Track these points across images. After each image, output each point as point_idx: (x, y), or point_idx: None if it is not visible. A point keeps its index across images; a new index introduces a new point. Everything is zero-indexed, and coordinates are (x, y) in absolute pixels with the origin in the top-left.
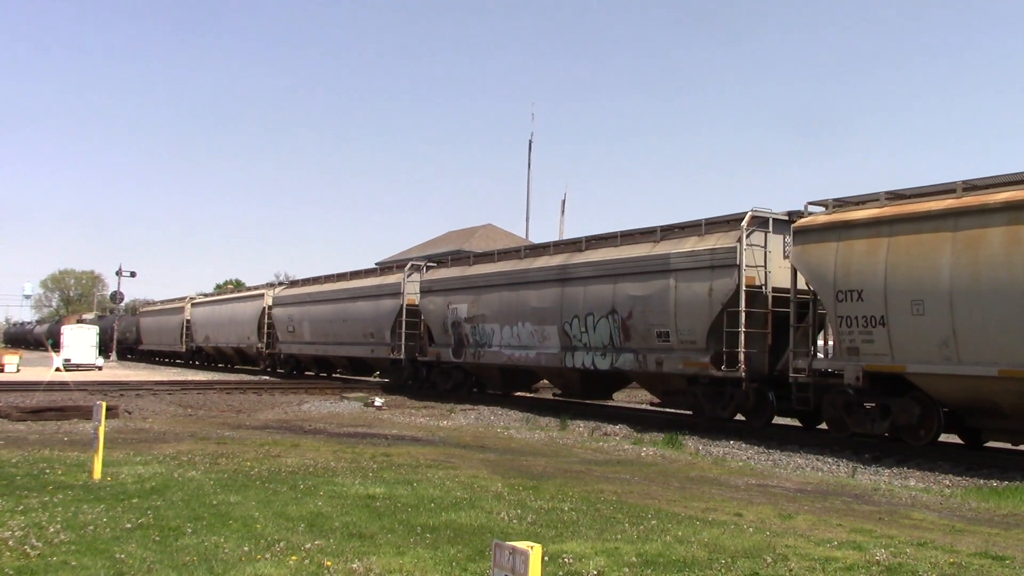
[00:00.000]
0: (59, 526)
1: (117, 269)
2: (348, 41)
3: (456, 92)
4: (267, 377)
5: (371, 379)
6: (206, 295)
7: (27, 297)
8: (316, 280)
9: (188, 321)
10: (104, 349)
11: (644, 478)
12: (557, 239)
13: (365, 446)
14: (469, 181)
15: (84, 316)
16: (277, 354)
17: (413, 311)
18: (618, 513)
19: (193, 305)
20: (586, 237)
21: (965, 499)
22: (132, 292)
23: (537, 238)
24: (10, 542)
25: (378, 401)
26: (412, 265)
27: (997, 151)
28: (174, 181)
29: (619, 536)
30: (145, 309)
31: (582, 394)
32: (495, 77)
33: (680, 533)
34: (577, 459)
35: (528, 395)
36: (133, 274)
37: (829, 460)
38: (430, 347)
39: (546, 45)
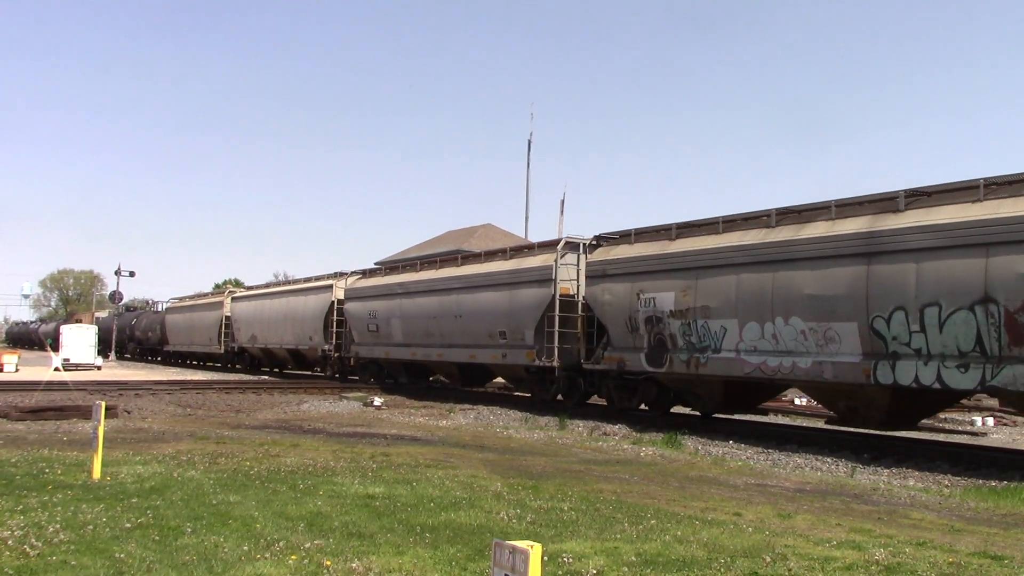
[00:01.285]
0: (58, 526)
1: (116, 269)
2: (347, 40)
3: (455, 91)
4: (265, 377)
5: (499, 392)
6: (251, 288)
7: (26, 297)
8: (408, 266)
9: (227, 318)
10: (120, 348)
11: (643, 478)
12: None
13: (364, 446)
14: (468, 181)
15: (98, 314)
16: (352, 358)
17: (570, 303)
18: (617, 512)
19: (234, 299)
20: (905, 191)
21: (964, 499)
22: (131, 292)
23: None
24: (9, 542)
25: (377, 401)
26: (567, 243)
27: (997, 151)
28: (173, 180)
29: (618, 535)
30: (173, 305)
31: (886, 422)
32: (494, 77)
33: (679, 533)
34: (576, 459)
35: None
36: (132, 274)
37: (828, 460)
38: (606, 352)
39: (545, 45)
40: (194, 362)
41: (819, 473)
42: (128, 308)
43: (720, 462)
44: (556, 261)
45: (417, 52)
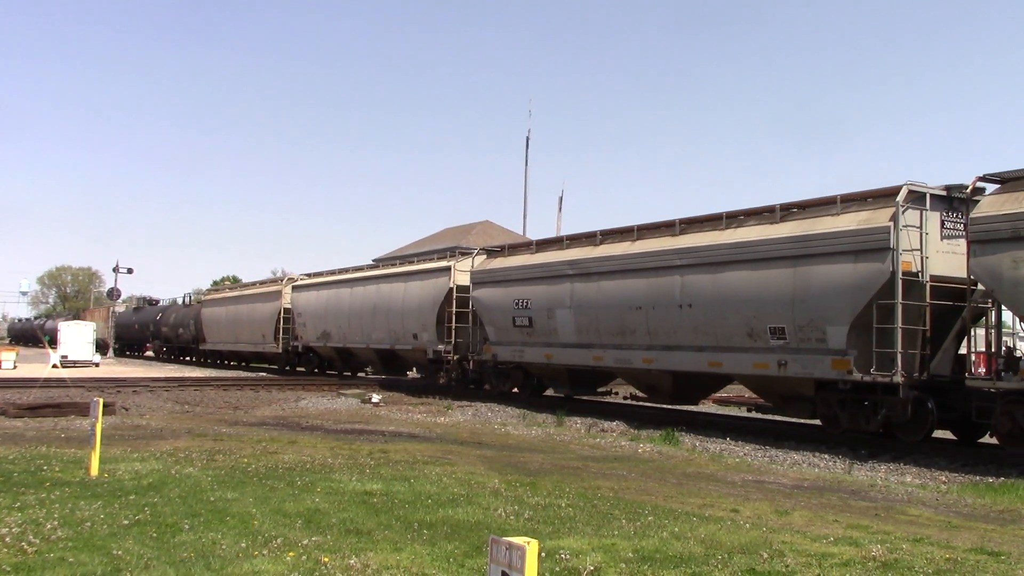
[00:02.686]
0: (56, 523)
1: (114, 266)
2: (346, 38)
3: (453, 89)
4: (263, 374)
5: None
6: (317, 274)
7: (24, 294)
8: (577, 240)
9: (287, 311)
10: (135, 345)
11: (641, 474)
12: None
13: (362, 442)
14: (466, 178)
15: (114, 308)
16: (482, 361)
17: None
18: (615, 509)
19: (296, 288)
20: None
21: (961, 495)
22: (129, 289)
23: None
24: (7, 539)
25: (375, 397)
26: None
27: (997, 150)
28: (171, 178)
29: (616, 532)
30: (211, 297)
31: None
32: (492, 74)
33: (677, 529)
34: (574, 455)
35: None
36: (130, 270)
37: (825, 456)
38: None
39: (544, 42)
40: (236, 362)
41: (816, 469)
42: (149, 302)
43: (717, 458)
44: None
45: (415, 50)
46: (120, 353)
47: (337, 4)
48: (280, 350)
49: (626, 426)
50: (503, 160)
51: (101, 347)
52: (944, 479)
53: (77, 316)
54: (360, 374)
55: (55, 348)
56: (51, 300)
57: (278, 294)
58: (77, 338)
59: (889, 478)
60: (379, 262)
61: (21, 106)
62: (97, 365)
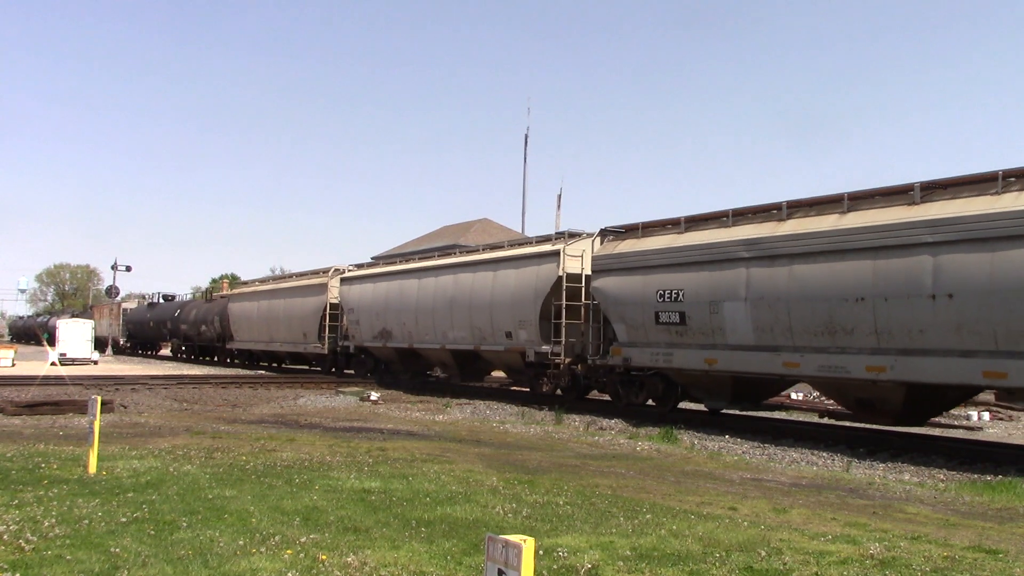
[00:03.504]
0: (54, 520)
1: (112, 263)
2: (344, 36)
3: (451, 86)
4: (262, 372)
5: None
6: (370, 264)
7: (22, 291)
8: (742, 216)
9: (334, 306)
10: (146, 343)
11: (639, 472)
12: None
13: (361, 440)
14: (465, 176)
15: (126, 305)
16: (616, 367)
17: None
18: (613, 507)
19: (345, 281)
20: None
21: (959, 493)
22: (127, 287)
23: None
24: (5, 536)
25: (374, 395)
26: None
27: (996, 150)
28: (169, 176)
29: (614, 530)
30: (239, 291)
31: None
32: (491, 71)
33: (675, 527)
34: (572, 453)
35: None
36: (128, 268)
37: (824, 454)
38: None
39: (542, 40)
40: (270, 364)
41: (815, 467)
42: (165, 297)
43: (716, 456)
44: None
45: (414, 48)
46: (132, 352)
47: (336, 3)
48: (326, 351)
49: (625, 424)
50: (502, 158)
51: (115, 344)
52: (942, 477)
53: (84, 313)
54: (429, 374)
55: (54, 346)
56: (49, 298)
57: (323, 288)
58: (76, 336)
59: (887, 476)
60: (378, 259)
61: (20, 104)
62: (95, 363)
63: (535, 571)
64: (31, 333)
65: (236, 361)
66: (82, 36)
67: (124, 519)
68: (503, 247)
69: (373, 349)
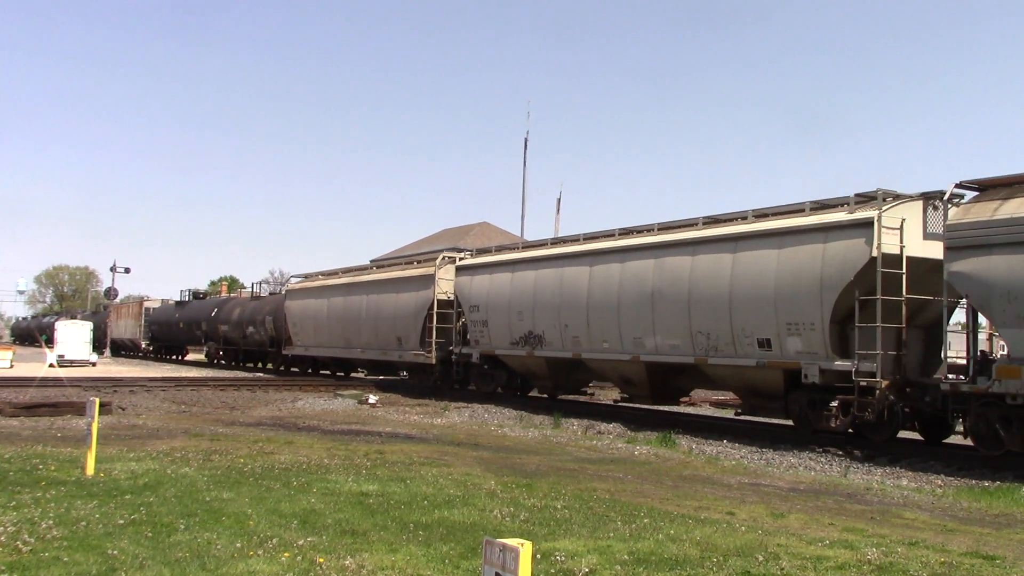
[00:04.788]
0: (51, 522)
1: (111, 265)
2: (344, 38)
3: (451, 90)
4: (261, 374)
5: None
6: (502, 249)
7: (21, 293)
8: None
9: (444, 303)
10: (172, 347)
11: (637, 476)
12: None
13: (359, 443)
14: (464, 179)
15: (148, 304)
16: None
17: None
18: (611, 511)
19: (463, 271)
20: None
21: (957, 499)
22: (126, 289)
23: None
24: (2, 537)
25: (372, 398)
26: None
27: (996, 150)
28: (169, 177)
29: (611, 534)
30: (300, 285)
31: None
32: (490, 75)
33: (672, 531)
34: (570, 457)
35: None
36: (127, 270)
37: (822, 459)
38: None
39: (542, 43)
40: (345, 373)
41: (813, 472)
42: (196, 295)
43: (714, 461)
44: None
45: (414, 50)
46: (157, 357)
47: (336, 4)
48: (433, 359)
49: (623, 428)
50: (501, 161)
51: (135, 347)
52: (940, 483)
53: (97, 314)
54: (621, 400)
55: (52, 347)
56: (48, 299)
57: (427, 280)
58: (74, 337)
59: (885, 482)
60: (375, 263)
61: (19, 104)
62: (94, 364)
63: (532, 575)
64: (31, 335)
65: (294, 369)
66: (82, 36)
67: (122, 521)
68: (744, 218)
69: (508, 358)
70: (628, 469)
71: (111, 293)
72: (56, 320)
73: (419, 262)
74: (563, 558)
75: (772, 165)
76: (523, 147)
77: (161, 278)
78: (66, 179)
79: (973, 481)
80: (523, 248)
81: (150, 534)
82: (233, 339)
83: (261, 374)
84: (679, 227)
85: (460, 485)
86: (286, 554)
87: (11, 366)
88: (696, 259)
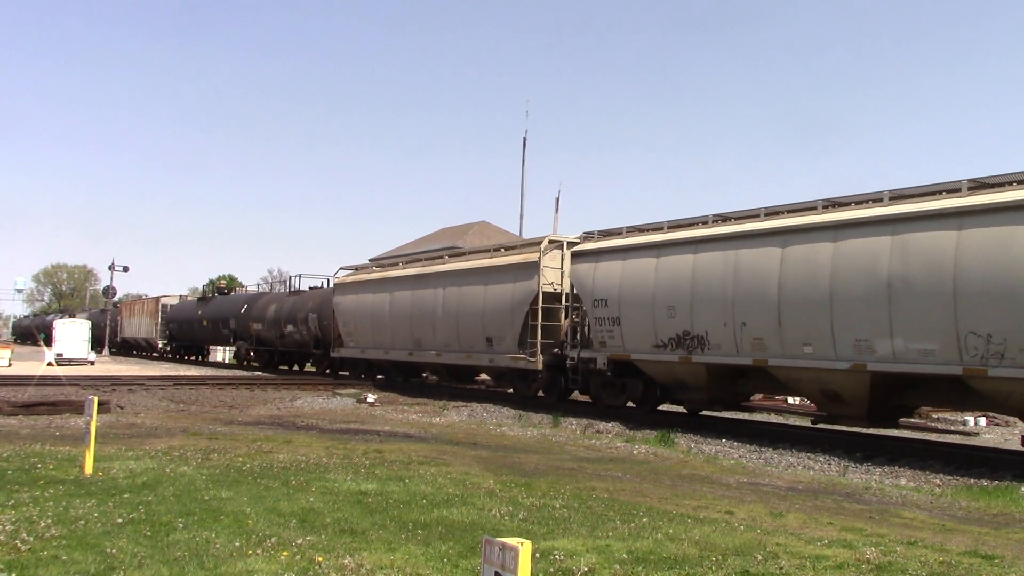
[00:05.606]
0: (50, 520)
1: (110, 264)
2: (342, 38)
3: (450, 89)
4: (258, 373)
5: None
6: (632, 230)
7: (19, 291)
8: None
9: (550, 296)
10: (192, 347)
11: (636, 476)
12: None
13: (357, 442)
14: (463, 178)
15: (166, 300)
16: None
17: None
18: (610, 510)
19: (582, 256)
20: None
21: (955, 498)
22: (124, 287)
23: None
24: (1, 536)
25: (371, 397)
26: None
27: (997, 150)
28: (167, 177)
29: (610, 533)
30: (353, 278)
31: None
32: (489, 74)
33: (671, 531)
34: (569, 456)
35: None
36: (126, 269)
37: (821, 459)
38: None
39: (541, 42)
40: (412, 377)
41: (811, 472)
42: (220, 291)
43: (713, 460)
44: None
45: (412, 49)
46: (175, 358)
47: (335, 4)
48: (539, 364)
49: (622, 427)
50: (500, 160)
51: (151, 347)
52: (939, 482)
53: (108, 311)
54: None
55: (50, 346)
56: (46, 298)
57: (530, 269)
58: (72, 336)
59: (884, 481)
60: (374, 261)
61: (18, 104)
62: (92, 363)
63: (532, 574)
64: (31, 334)
65: (343, 373)
66: (82, 36)
67: (120, 520)
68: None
69: (648, 364)
70: (627, 468)
71: (110, 292)
72: (61, 319)
73: (504, 248)
74: (562, 557)
75: (772, 165)
76: (522, 146)
77: (159, 277)
78: (65, 178)
79: (972, 480)
80: (673, 227)
81: (149, 533)
82: (268, 339)
83: (260, 373)
84: (924, 195)
85: (459, 484)
86: (285, 553)
87: (9, 364)
88: (964, 235)
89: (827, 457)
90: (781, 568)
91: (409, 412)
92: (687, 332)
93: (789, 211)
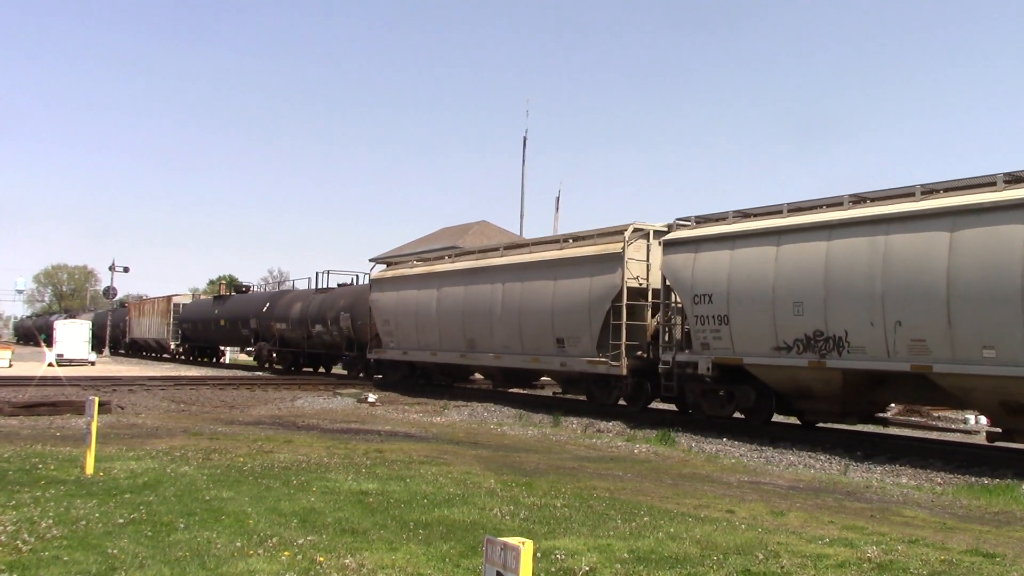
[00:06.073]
0: (51, 521)
1: (110, 264)
2: (342, 37)
3: (450, 88)
4: (259, 372)
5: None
6: (739, 215)
7: (20, 292)
8: None
9: (636, 291)
10: (207, 348)
11: (637, 475)
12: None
13: (358, 442)
14: (463, 178)
15: (178, 299)
16: None
17: None
18: (610, 510)
19: (676, 245)
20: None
21: (957, 497)
22: (124, 288)
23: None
24: (2, 537)
25: (371, 397)
26: None
27: (998, 150)
28: (167, 177)
29: (611, 532)
30: (393, 273)
31: None
32: (489, 74)
33: (672, 530)
34: (570, 456)
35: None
36: (126, 269)
37: (821, 457)
38: None
39: (541, 42)
40: (445, 380)
41: (812, 471)
42: (238, 289)
43: (713, 459)
44: None
45: (412, 49)
46: (188, 358)
47: (335, 4)
48: (624, 369)
49: (623, 426)
50: (500, 160)
51: (163, 348)
52: (940, 481)
53: (116, 310)
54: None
55: (51, 346)
56: (47, 298)
57: (613, 262)
58: (73, 336)
59: (885, 479)
60: (376, 261)
61: (18, 104)
62: (93, 363)
63: (533, 574)
64: (34, 334)
65: (379, 376)
66: (82, 36)
67: (121, 520)
68: None
69: (765, 369)
70: (628, 467)
71: (110, 292)
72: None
73: (573, 239)
74: (563, 556)
75: (772, 164)
76: (522, 146)
77: (159, 277)
78: (65, 178)
79: (973, 479)
80: (794, 211)
81: (150, 533)
82: (293, 339)
83: (260, 373)
84: None
85: (460, 484)
86: (286, 553)
87: (10, 365)
88: None
89: (828, 456)
90: (782, 567)
91: (410, 412)
92: (819, 332)
93: (953, 188)
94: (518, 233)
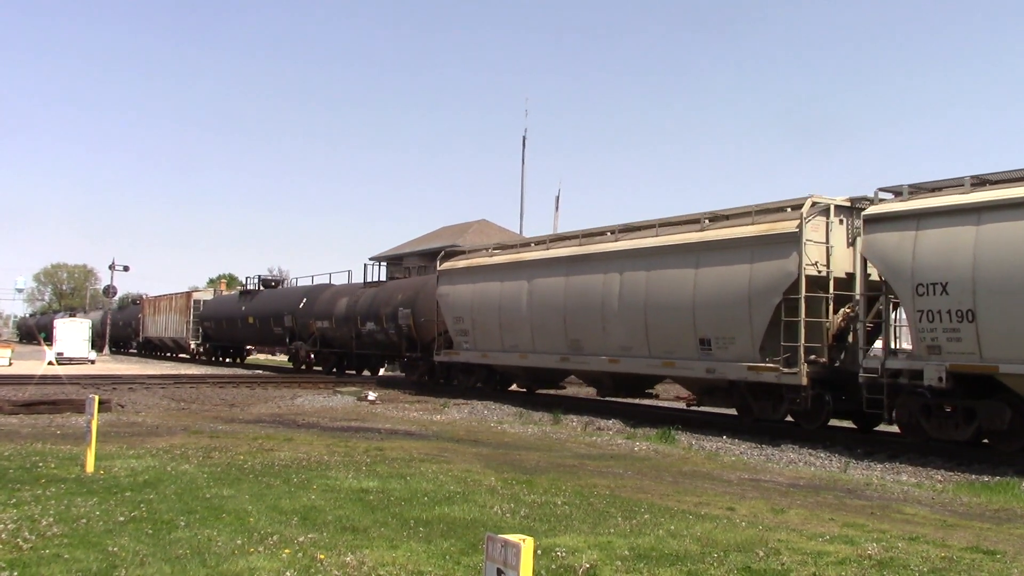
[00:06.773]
0: (51, 519)
1: (110, 263)
2: (342, 37)
3: (450, 88)
4: (259, 371)
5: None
6: (953, 183)
7: (19, 291)
8: None
9: (815, 279)
10: (231, 348)
11: (637, 472)
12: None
13: (358, 440)
14: (463, 177)
15: (198, 296)
16: None
17: None
18: (611, 507)
19: (880, 223)
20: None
21: (957, 494)
22: (124, 287)
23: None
24: (2, 535)
25: (371, 395)
26: None
27: (998, 151)
28: (167, 176)
29: (612, 530)
30: (467, 263)
31: None
32: (489, 73)
33: (673, 527)
34: (570, 453)
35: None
36: (126, 268)
37: (822, 455)
38: None
39: (541, 41)
40: (527, 387)
41: (812, 468)
42: (267, 284)
43: (714, 457)
44: None
45: (412, 49)
46: (209, 358)
47: (336, 4)
48: (803, 379)
49: (622, 424)
50: (500, 159)
51: (183, 348)
52: (940, 478)
53: (128, 308)
54: None
55: (51, 345)
56: (47, 297)
57: (782, 244)
58: (73, 335)
59: (885, 477)
60: (376, 260)
61: (18, 104)
62: (93, 362)
63: (534, 571)
64: (34, 333)
65: (444, 382)
66: (82, 36)
67: (122, 518)
68: None
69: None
70: (628, 465)
71: (110, 291)
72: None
73: (716, 216)
74: (564, 554)
75: (772, 164)
76: (521, 145)
77: (159, 276)
78: (65, 177)
79: (973, 476)
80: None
81: (150, 531)
82: (337, 339)
83: (261, 371)
84: None
85: (460, 481)
86: (286, 551)
87: (10, 364)
88: None
89: (828, 453)
90: (783, 564)
91: (410, 410)
92: None
93: None
94: (518, 232)
